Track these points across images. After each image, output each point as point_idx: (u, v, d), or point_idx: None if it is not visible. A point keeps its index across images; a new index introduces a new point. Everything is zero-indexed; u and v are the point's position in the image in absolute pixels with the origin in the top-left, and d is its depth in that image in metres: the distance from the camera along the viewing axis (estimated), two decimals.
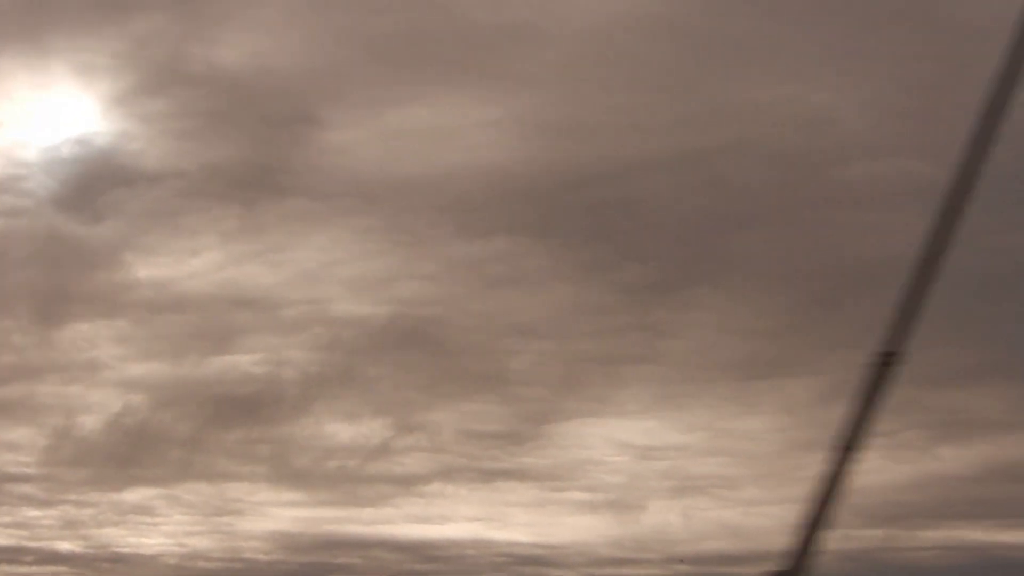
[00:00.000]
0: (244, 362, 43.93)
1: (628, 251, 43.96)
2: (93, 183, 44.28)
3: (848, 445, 16.25)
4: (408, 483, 43.63)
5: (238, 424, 43.96)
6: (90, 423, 43.21)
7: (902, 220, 40.91)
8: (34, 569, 41.90)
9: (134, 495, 43.15)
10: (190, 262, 44.12)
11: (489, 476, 43.72)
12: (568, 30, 42.70)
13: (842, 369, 41.94)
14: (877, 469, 40.51)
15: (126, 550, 42.40)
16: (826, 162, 42.65)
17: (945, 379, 41.17)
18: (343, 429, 43.97)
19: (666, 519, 42.26)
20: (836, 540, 40.31)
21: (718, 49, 42.82)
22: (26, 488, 42.90)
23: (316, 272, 44.35)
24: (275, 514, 43.30)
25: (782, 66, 42.33)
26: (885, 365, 16.07)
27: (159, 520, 43.09)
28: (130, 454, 42.97)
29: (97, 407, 43.39)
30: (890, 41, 41.66)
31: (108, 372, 43.75)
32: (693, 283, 43.76)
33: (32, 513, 42.66)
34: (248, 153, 44.57)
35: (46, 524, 42.61)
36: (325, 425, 44.01)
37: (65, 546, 42.35)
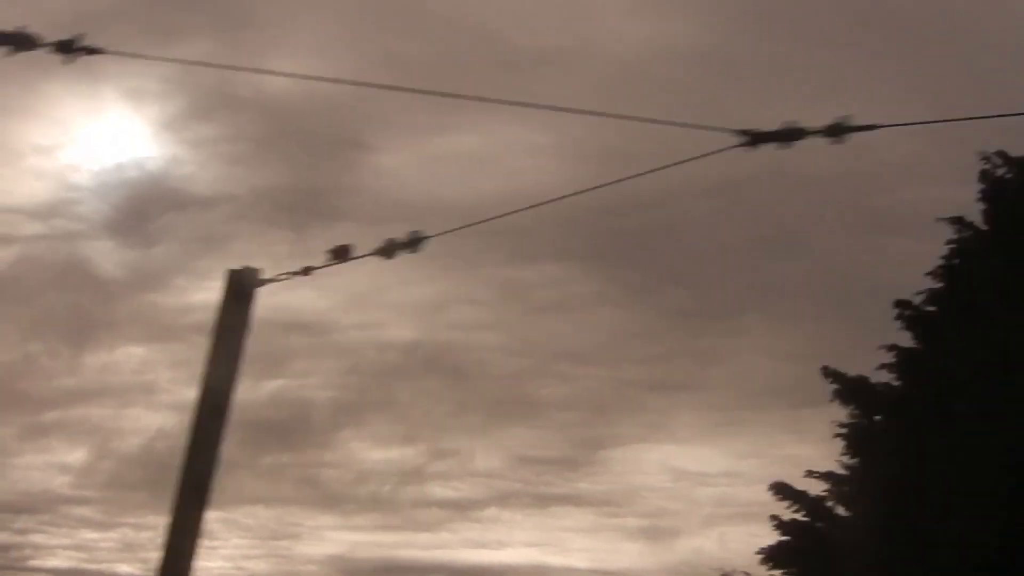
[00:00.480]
0: (297, 386, 44.44)
1: (672, 277, 44.29)
2: (145, 207, 44.75)
3: None
4: (463, 508, 43.97)
5: (292, 447, 44.43)
6: (148, 446, 43.75)
7: (936, 248, 41.04)
8: None
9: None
10: None
11: (544, 501, 44.01)
12: (604, 56, 43.07)
13: None
14: None
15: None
16: (866, 188, 42.66)
17: None
18: (394, 453, 44.41)
19: (721, 545, 42.15)
20: None
21: (752, 74, 43.18)
22: (84, 511, 43.50)
23: (367, 296, 44.70)
24: (332, 538, 43.65)
25: (818, 90, 41.90)
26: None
27: (217, 543, 42.76)
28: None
29: (155, 430, 42.98)
30: (931, 62, 41.82)
31: (164, 396, 43.89)
32: (740, 309, 43.93)
33: (91, 536, 43.18)
34: (296, 178, 45.15)
35: (105, 547, 43.09)
36: (376, 449, 44.46)
37: (124, 569, 42.80)
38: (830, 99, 42.14)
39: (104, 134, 44.22)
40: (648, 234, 44.15)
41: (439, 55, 43.16)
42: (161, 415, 43.30)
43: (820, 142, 9.79)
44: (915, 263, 42.02)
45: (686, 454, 44.03)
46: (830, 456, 43.30)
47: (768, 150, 9.92)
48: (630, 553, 42.88)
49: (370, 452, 44.37)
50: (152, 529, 42.82)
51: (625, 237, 44.09)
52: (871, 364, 41.16)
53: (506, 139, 43.76)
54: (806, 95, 42.10)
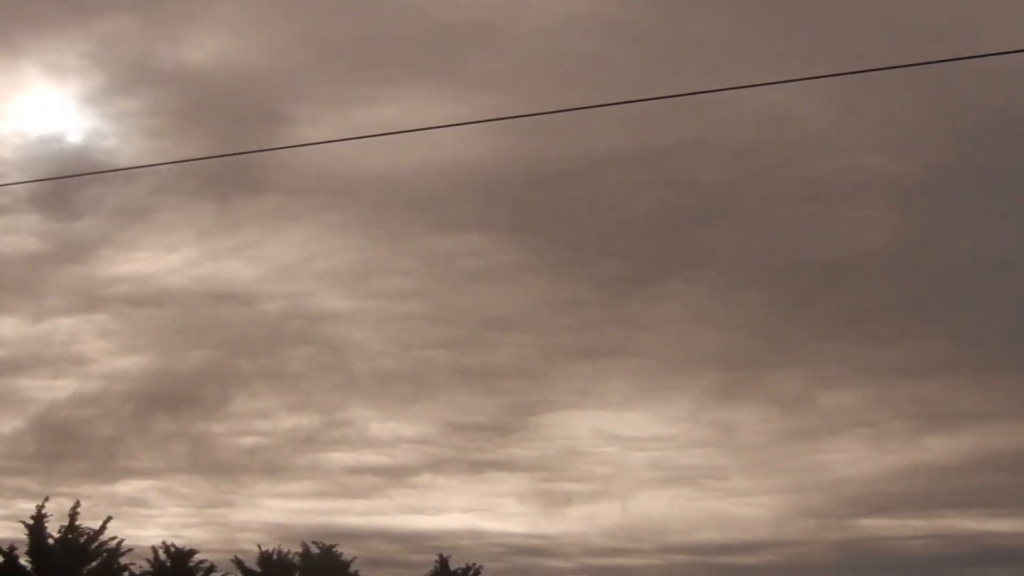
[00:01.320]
0: (224, 355, 44.97)
1: (598, 245, 44.98)
2: (68, 180, 45.83)
3: None
4: (398, 474, 44.32)
5: (228, 416, 44.68)
6: (80, 415, 43.99)
7: (866, 215, 42.54)
8: None
9: (127, 487, 43.91)
10: (168, 258, 44.92)
11: (477, 467, 44.40)
12: (526, 30, 43.55)
13: (822, 362, 43.70)
14: (864, 459, 42.22)
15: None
16: (786, 158, 43.77)
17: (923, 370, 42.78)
18: (316, 418, 44.60)
19: (656, 509, 43.30)
20: (826, 530, 41.59)
21: (671, 49, 43.88)
22: (19, 481, 42.85)
23: (293, 267, 45.14)
24: (269, 506, 43.72)
25: (735, 65, 42.76)
26: None
27: (154, 512, 43.83)
28: (122, 446, 43.65)
29: (87, 400, 44.12)
30: (840, 40, 42.42)
31: (94, 366, 44.76)
32: (665, 277, 44.68)
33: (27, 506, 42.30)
34: (219, 150, 44.93)
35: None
36: (302, 420, 44.59)
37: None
38: (740, 72, 43.56)
39: (26, 109, 45.60)
40: (572, 204, 44.74)
41: (358, 30, 43.71)
42: (92, 384, 44.62)
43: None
44: (839, 230, 44.24)
45: (617, 419, 44.52)
46: (758, 422, 45.18)
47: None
48: (566, 518, 43.65)
49: (296, 419, 44.58)
50: (88, 498, 42.56)
51: (549, 207, 44.85)
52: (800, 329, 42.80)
53: (424, 112, 43.97)
54: (719, 66, 43.47)
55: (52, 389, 44.58)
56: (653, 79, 42.32)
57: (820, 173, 42.86)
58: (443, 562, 39.09)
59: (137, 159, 45.10)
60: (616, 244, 44.35)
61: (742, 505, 43.12)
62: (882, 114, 41.31)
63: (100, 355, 44.65)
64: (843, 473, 42.46)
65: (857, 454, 42.69)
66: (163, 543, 36.07)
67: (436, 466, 44.06)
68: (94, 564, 34.02)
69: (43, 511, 34.13)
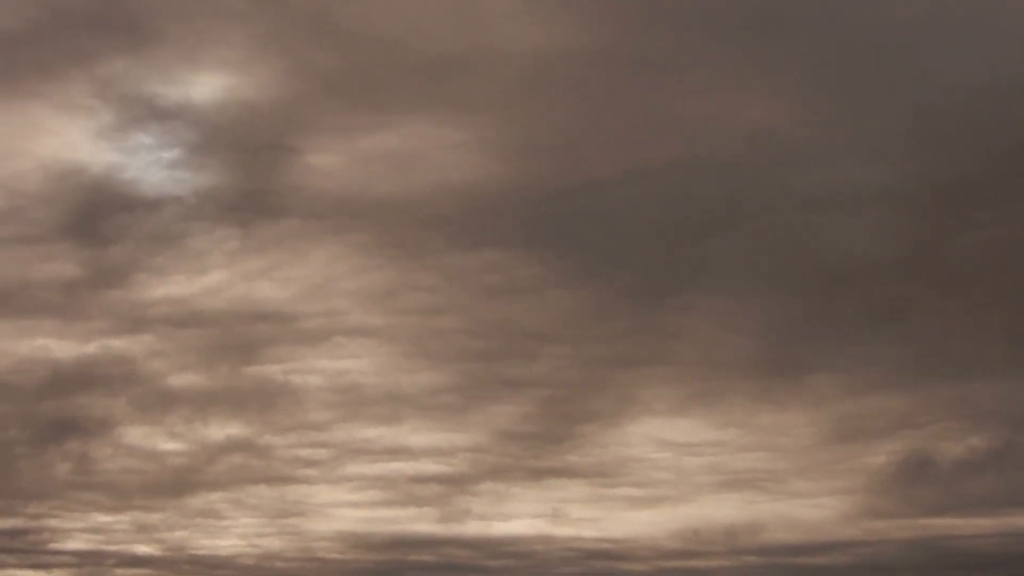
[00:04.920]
0: (276, 371, 46.33)
1: (612, 259, 45.93)
2: (94, 210, 46.73)
3: None
4: (460, 483, 45.82)
5: (292, 429, 46.27)
6: (142, 433, 45.92)
7: (865, 222, 43.48)
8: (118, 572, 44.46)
9: (197, 500, 45.65)
10: (201, 280, 46.51)
11: (537, 475, 45.77)
12: (506, 58, 45.29)
13: (854, 365, 44.57)
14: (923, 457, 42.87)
15: (201, 552, 44.91)
16: (773, 170, 44.70)
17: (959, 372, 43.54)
18: (381, 434, 46.34)
19: (720, 512, 44.57)
20: (897, 530, 42.36)
21: (649, 71, 45.20)
22: (92, 495, 45.39)
23: (323, 286, 46.71)
24: (340, 515, 45.68)
25: (709, 83, 44.66)
26: None
27: (227, 523, 45.51)
28: (193, 463, 45.73)
29: (142, 417, 45.91)
30: (807, 55, 44.17)
31: (149, 385, 46.16)
32: (683, 287, 45.59)
33: (103, 519, 45.28)
34: (234, 179, 47.25)
35: (119, 528, 45.30)
36: (362, 431, 46.37)
37: (142, 549, 45.02)
38: (721, 90, 44.88)
39: (44, 146, 46.62)
40: (577, 221, 46.16)
41: (351, 64, 45.98)
42: (149, 401, 46.07)
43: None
44: (843, 237, 45.00)
45: (667, 426, 46.01)
46: (805, 425, 45.86)
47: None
48: (632, 522, 45.23)
49: (355, 432, 46.37)
50: (161, 511, 45.12)
51: (557, 224, 46.27)
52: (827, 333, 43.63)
53: (424, 138, 46.15)
54: (699, 86, 44.91)
55: (111, 408, 46.16)
56: (637, 101, 44.96)
57: (810, 184, 44.18)
58: None
59: (159, 188, 47.25)
60: (628, 257, 45.64)
61: (806, 507, 44.13)
62: (857, 126, 42.98)
63: (152, 376, 46.57)
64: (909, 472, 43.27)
65: (908, 455, 43.70)
66: None
67: (496, 474, 45.60)
68: None
69: None
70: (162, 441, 45.65)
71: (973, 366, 43.18)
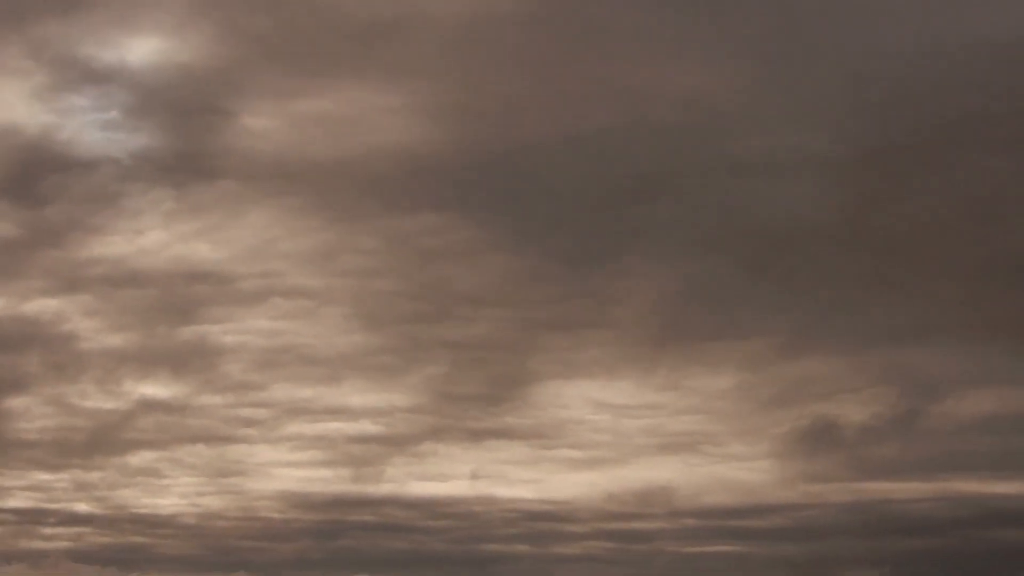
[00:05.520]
0: (214, 331, 46.74)
1: (549, 223, 46.63)
2: (30, 170, 47.16)
3: None
4: (399, 443, 46.12)
5: (230, 389, 46.64)
6: (80, 392, 46.03)
7: (800, 189, 43.96)
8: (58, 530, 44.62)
9: (137, 458, 45.91)
10: (138, 241, 47.03)
11: (477, 436, 46.16)
12: (441, 23, 45.90)
13: (789, 330, 45.36)
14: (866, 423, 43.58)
15: (143, 511, 45.21)
16: (708, 136, 45.24)
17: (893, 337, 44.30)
18: (320, 394, 46.61)
19: (660, 474, 45.03)
20: (834, 493, 42.92)
21: (583, 37, 45.79)
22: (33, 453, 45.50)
23: (260, 248, 47.18)
24: (280, 474, 45.94)
25: (645, 49, 45.29)
26: None
27: (167, 482, 45.82)
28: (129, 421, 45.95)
29: (85, 376, 46.15)
30: (741, 22, 44.98)
31: (85, 343, 46.53)
32: (621, 252, 46.21)
33: (43, 477, 45.36)
34: (169, 141, 47.80)
35: (59, 487, 45.44)
36: (300, 391, 46.67)
37: (82, 507, 45.27)
38: (657, 56, 45.51)
39: None
40: (514, 185, 46.66)
41: (286, 28, 46.45)
42: (88, 360, 46.49)
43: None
44: (777, 204, 45.71)
45: (605, 388, 46.60)
46: (741, 388, 46.58)
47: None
48: (573, 483, 45.72)
49: (294, 392, 46.78)
50: (100, 470, 45.28)
51: (493, 188, 46.84)
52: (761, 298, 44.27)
53: (359, 102, 46.66)
54: (635, 53, 45.49)
55: (49, 366, 46.43)
56: (572, 67, 45.31)
57: (746, 150, 44.84)
58: None
59: (94, 149, 47.69)
60: (565, 221, 46.33)
61: (744, 470, 44.74)
62: (792, 92, 43.59)
63: (90, 333, 46.90)
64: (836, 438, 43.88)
65: (846, 420, 44.22)
66: None
67: (435, 435, 45.95)
68: None
69: None
70: (101, 400, 45.84)
71: (907, 331, 43.91)
